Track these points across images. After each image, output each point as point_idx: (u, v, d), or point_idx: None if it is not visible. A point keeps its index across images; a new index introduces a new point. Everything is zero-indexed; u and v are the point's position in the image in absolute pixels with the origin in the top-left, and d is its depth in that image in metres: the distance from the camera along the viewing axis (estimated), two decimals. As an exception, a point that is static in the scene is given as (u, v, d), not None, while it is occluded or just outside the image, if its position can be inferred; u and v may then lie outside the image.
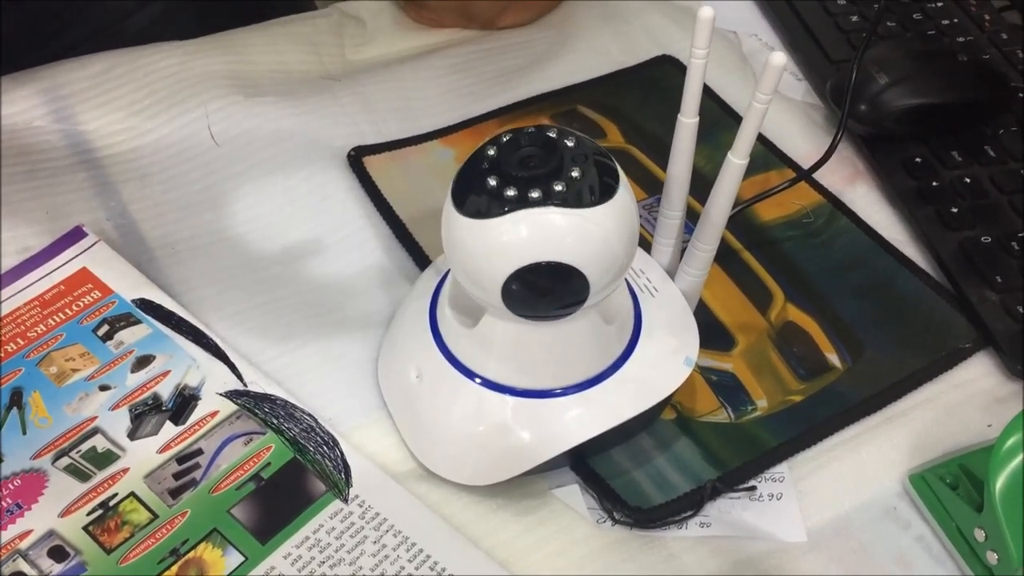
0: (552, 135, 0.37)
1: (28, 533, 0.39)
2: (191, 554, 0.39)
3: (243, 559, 0.39)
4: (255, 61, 0.59)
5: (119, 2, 0.64)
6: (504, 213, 0.36)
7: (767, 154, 0.56)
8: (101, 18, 0.63)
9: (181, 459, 0.41)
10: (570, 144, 0.37)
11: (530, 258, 0.36)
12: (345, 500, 0.41)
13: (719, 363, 0.47)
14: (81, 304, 0.46)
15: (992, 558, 0.39)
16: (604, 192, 0.37)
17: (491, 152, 0.37)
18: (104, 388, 0.43)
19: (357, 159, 0.54)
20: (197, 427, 0.42)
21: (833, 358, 0.47)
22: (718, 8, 0.40)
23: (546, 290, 0.37)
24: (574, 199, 0.36)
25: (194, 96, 0.56)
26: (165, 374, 0.44)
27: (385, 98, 0.58)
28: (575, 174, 0.36)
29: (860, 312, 0.49)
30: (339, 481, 0.41)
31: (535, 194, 0.36)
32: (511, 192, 0.36)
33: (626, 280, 0.43)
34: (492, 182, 0.36)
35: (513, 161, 0.37)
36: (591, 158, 0.37)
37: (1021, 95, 0.58)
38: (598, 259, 0.37)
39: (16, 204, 0.50)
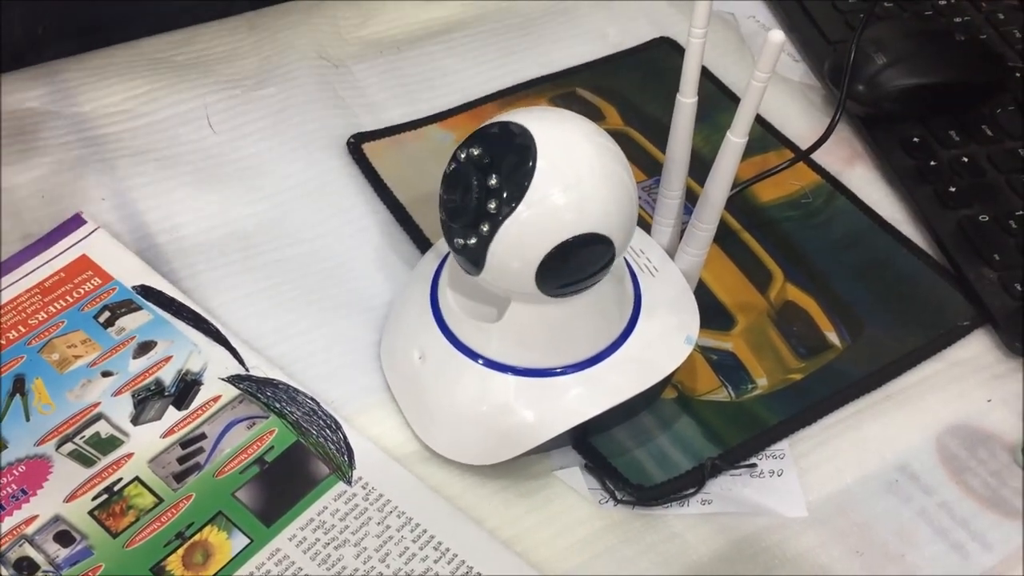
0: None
1: (34, 518, 0.39)
2: (197, 537, 0.39)
3: (248, 541, 0.39)
4: (253, 47, 0.59)
5: None
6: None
7: (765, 135, 0.56)
8: None
9: (185, 444, 0.42)
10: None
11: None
12: (349, 482, 0.41)
13: (719, 342, 0.47)
14: (82, 291, 0.46)
15: None
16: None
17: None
18: (106, 374, 0.43)
19: (356, 146, 0.54)
20: (200, 412, 0.42)
21: (832, 336, 0.47)
22: (716, -11, 0.40)
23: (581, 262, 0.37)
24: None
25: (192, 87, 0.56)
26: (167, 360, 0.44)
27: (383, 83, 0.58)
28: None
29: (859, 291, 0.49)
30: (342, 464, 0.41)
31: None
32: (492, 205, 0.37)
33: (626, 260, 0.44)
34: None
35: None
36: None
37: (1018, 75, 0.59)
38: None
39: (15, 191, 0.50)
